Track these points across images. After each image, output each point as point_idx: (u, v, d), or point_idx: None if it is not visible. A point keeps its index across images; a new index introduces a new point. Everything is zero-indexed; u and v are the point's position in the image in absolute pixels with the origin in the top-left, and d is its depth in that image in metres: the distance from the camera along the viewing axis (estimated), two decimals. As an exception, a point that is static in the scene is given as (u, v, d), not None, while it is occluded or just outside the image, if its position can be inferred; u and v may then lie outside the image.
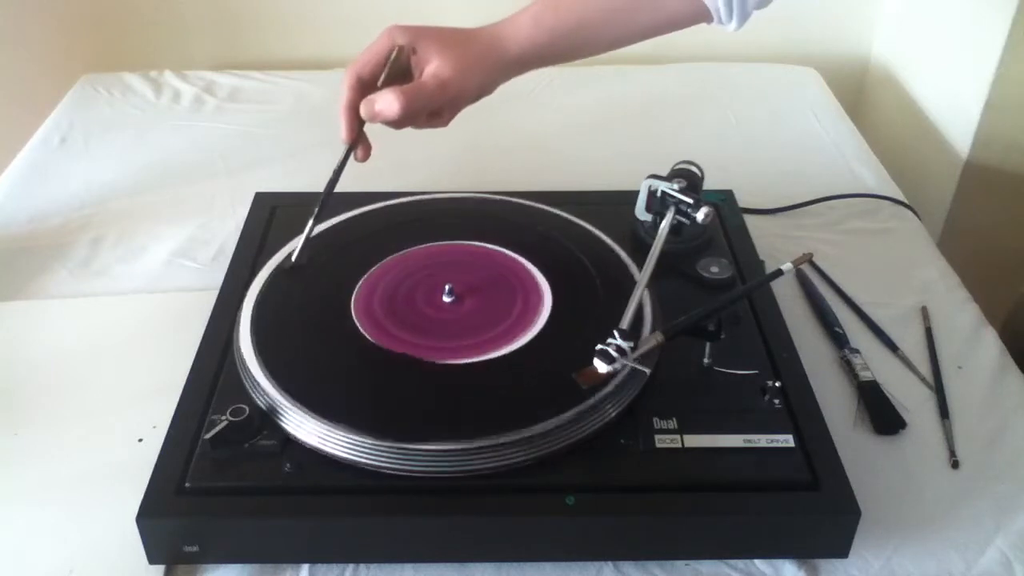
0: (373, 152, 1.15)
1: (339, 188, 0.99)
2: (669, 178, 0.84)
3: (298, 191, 0.98)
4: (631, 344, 0.66)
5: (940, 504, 0.70)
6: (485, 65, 0.74)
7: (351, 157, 0.77)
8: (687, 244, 0.85)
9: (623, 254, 0.83)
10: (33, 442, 0.74)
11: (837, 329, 0.85)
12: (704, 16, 0.78)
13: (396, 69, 0.74)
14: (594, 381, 0.66)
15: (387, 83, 0.73)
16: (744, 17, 0.77)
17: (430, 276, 0.80)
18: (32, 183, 1.10)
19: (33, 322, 0.87)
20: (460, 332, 0.75)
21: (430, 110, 0.74)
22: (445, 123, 0.77)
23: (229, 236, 0.97)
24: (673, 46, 1.41)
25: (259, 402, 0.68)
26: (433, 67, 0.73)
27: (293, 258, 0.79)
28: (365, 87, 0.74)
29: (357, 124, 0.75)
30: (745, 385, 0.71)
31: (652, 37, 0.79)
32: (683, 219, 0.82)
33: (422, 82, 0.73)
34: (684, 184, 0.82)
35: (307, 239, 0.80)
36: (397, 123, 0.74)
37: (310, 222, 0.79)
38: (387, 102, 0.71)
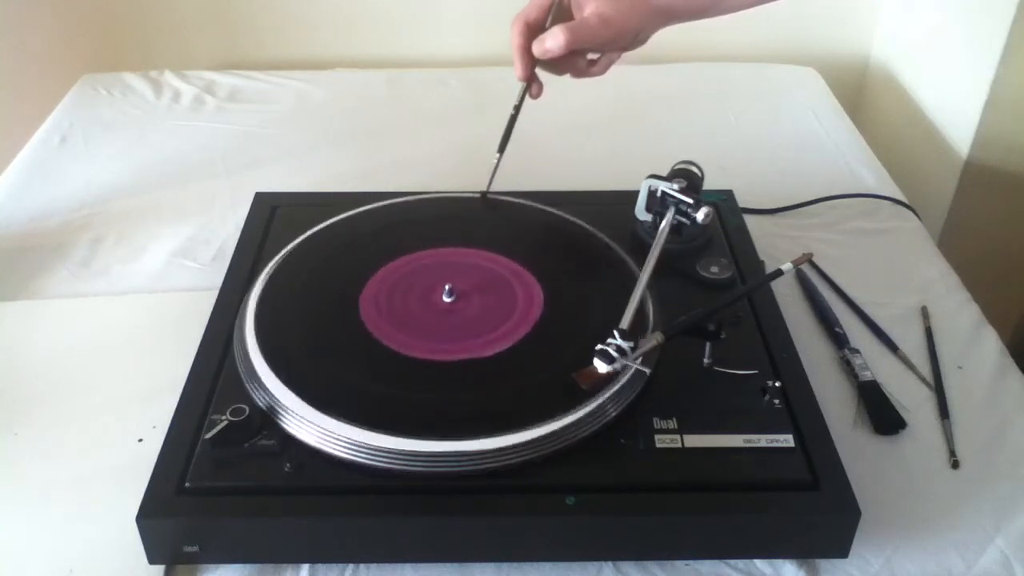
0: (374, 152, 1.17)
1: (339, 188, 1.00)
2: (669, 178, 0.84)
3: (298, 191, 0.99)
4: (631, 344, 0.66)
5: (940, 504, 0.70)
6: (639, 10, 0.78)
7: (527, 95, 0.84)
8: (687, 244, 0.85)
9: (623, 254, 0.83)
10: (33, 442, 0.74)
11: (837, 329, 0.85)
12: None
13: (559, 13, 0.80)
14: (594, 381, 0.66)
15: (552, 26, 0.79)
16: None
17: (430, 276, 0.80)
18: (32, 183, 1.10)
19: (33, 322, 0.87)
20: (459, 332, 0.75)
21: (591, 48, 0.80)
22: (602, 71, 0.83)
23: (229, 236, 0.97)
24: (673, 46, 1.42)
25: (259, 402, 0.68)
26: (593, 6, 0.78)
27: (486, 190, 0.88)
28: (533, 31, 0.80)
29: (530, 63, 0.81)
30: (745, 385, 0.71)
31: None
32: (683, 219, 0.82)
33: (585, 18, 0.78)
34: (684, 184, 0.82)
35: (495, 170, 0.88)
36: (561, 64, 0.81)
37: (497, 156, 0.87)
38: (555, 37, 0.77)
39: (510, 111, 0.85)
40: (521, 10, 0.81)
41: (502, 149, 0.87)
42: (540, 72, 0.83)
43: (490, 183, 0.88)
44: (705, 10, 0.80)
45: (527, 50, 0.80)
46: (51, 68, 1.39)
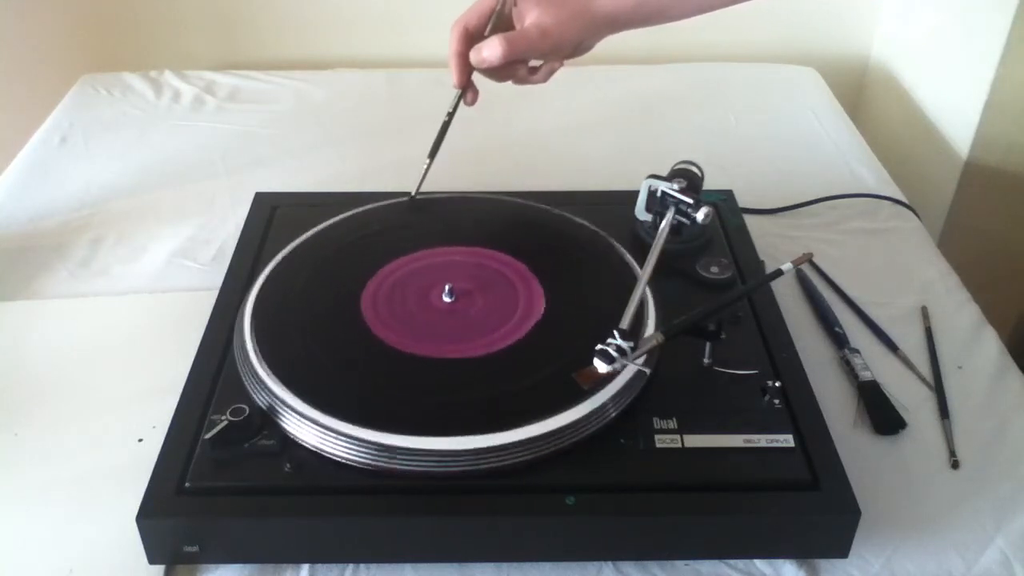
0: (374, 152, 1.17)
1: (339, 188, 1.00)
2: (669, 178, 0.84)
3: (298, 191, 0.99)
4: (631, 344, 0.66)
5: (940, 504, 0.70)
6: (581, 21, 0.78)
7: (462, 102, 0.85)
8: (687, 244, 0.85)
9: (623, 253, 0.83)
10: (33, 442, 0.74)
11: (837, 329, 0.85)
12: None
13: (500, 21, 0.80)
14: (594, 381, 0.66)
15: (492, 34, 0.79)
16: None
17: (430, 276, 0.80)
18: (32, 183, 1.10)
19: (33, 322, 0.87)
20: (459, 332, 0.75)
21: (531, 59, 0.80)
22: (543, 79, 0.83)
23: (229, 236, 0.97)
24: (673, 46, 1.42)
25: (259, 402, 0.68)
26: (533, 17, 0.77)
27: (414, 193, 0.90)
28: (471, 38, 0.80)
29: (467, 71, 0.81)
30: (745, 385, 0.71)
31: (737, 3, 0.81)
32: (683, 219, 0.82)
33: (525, 29, 0.78)
34: (684, 184, 0.82)
35: (425, 174, 0.89)
36: (500, 72, 0.80)
37: (428, 161, 0.88)
38: (492, 47, 0.77)
39: (444, 118, 0.86)
40: (461, 15, 0.81)
41: (432, 155, 0.88)
42: (479, 78, 0.82)
43: (419, 187, 0.90)
44: (650, 18, 0.79)
45: (464, 57, 0.79)
46: (51, 68, 1.39)
